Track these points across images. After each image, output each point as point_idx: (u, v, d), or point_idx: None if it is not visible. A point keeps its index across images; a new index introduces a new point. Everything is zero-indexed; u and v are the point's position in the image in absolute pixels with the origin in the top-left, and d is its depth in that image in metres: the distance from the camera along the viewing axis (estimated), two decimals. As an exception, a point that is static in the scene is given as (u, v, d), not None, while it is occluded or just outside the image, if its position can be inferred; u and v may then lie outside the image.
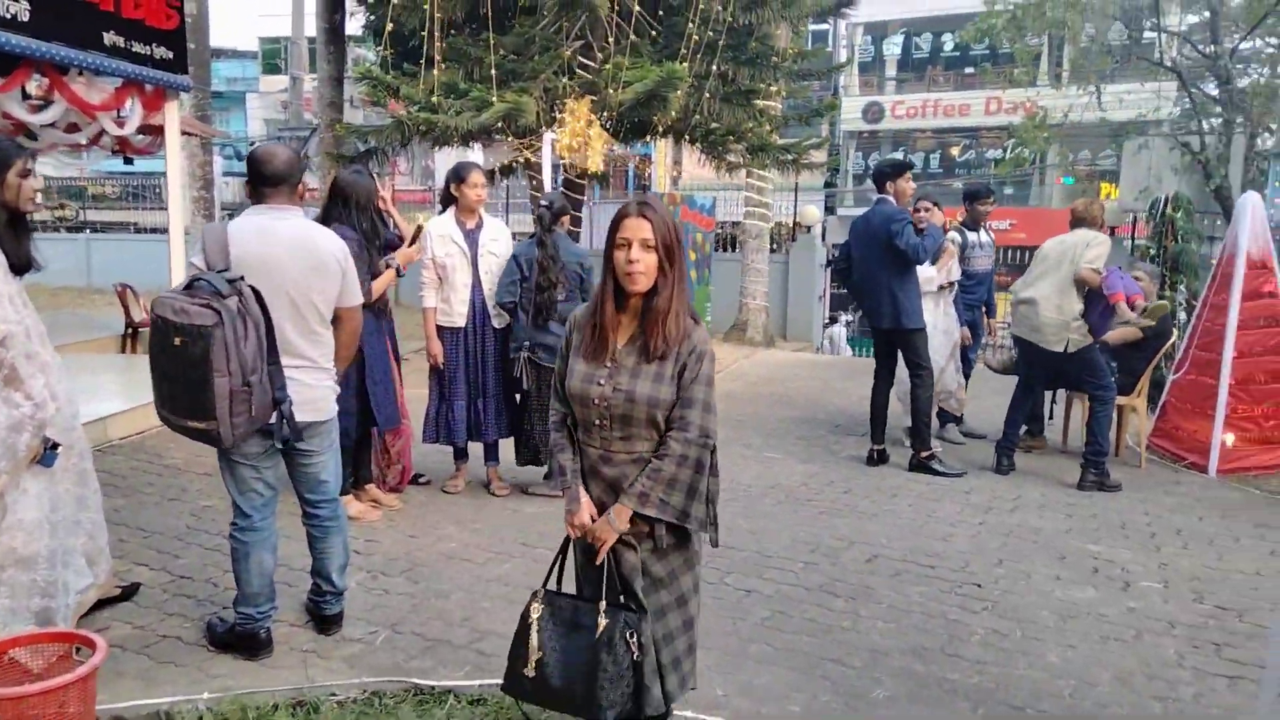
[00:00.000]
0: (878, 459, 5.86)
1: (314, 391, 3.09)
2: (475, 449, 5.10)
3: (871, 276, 5.62)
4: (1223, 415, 5.95)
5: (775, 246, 14.86)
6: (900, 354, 5.72)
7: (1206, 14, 10.79)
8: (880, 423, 5.90)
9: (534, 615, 2.24)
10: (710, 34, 7.90)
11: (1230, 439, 5.97)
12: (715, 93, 8.43)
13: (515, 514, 4.71)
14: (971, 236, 6.53)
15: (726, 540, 4.31)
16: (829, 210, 23.78)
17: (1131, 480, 5.60)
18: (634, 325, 2.21)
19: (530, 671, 2.22)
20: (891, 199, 5.58)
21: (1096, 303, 5.41)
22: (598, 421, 2.20)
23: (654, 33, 8.52)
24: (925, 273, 6.09)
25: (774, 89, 9.23)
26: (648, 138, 8.20)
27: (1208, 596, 3.74)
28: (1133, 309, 5.48)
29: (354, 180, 4.33)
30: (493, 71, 7.43)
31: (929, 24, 26.20)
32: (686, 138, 8.79)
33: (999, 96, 24.57)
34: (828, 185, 25.39)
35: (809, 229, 14.72)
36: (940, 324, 6.23)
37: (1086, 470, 5.45)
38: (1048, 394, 6.52)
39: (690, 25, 7.60)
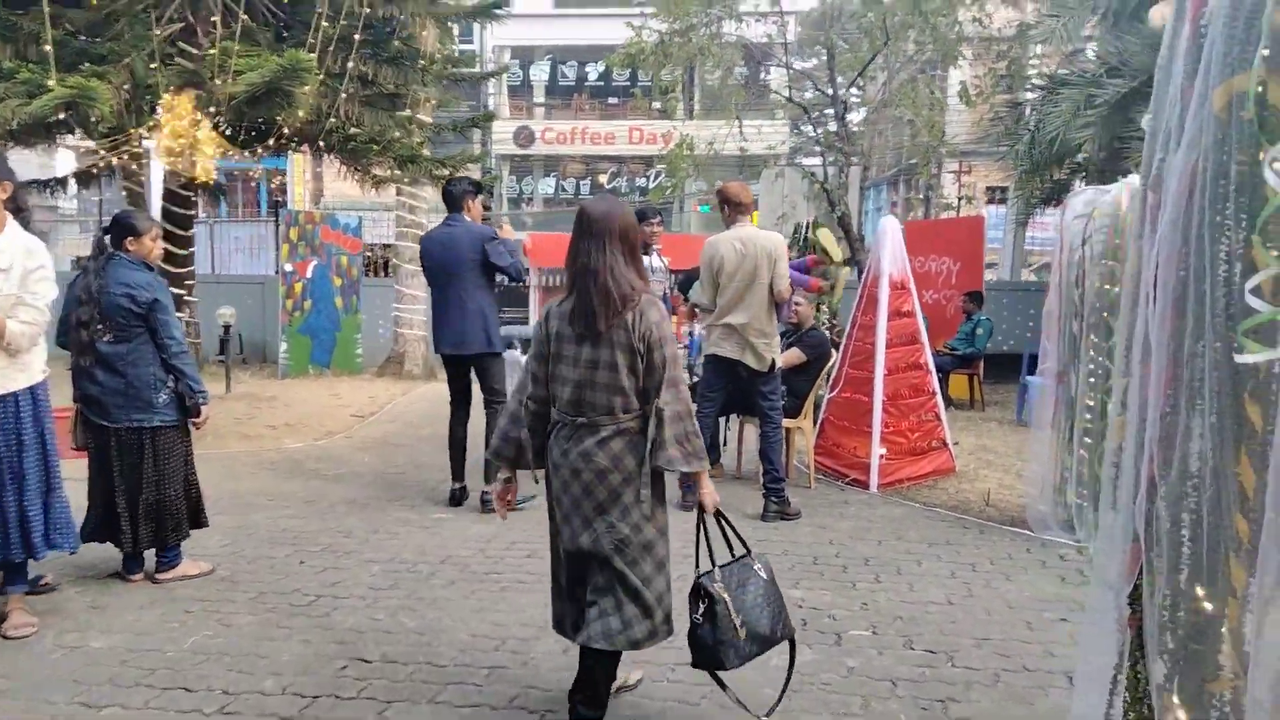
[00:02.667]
0: (459, 497, 5.45)
1: None
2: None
3: (462, 299, 5.20)
4: (879, 431, 6.13)
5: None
6: (480, 382, 5.42)
7: (825, 56, 11.80)
8: (462, 458, 5.49)
9: (723, 592, 2.60)
10: (344, 25, 6.82)
11: (883, 453, 6.18)
12: (354, 94, 7.34)
13: (73, 654, 3.34)
14: (644, 260, 6.17)
15: (389, 651, 3.37)
16: (485, 234, 23.25)
17: (806, 503, 5.51)
18: None
19: (742, 634, 2.59)
20: (466, 218, 5.30)
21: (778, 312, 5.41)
22: None
23: (274, 19, 7.24)
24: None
25: (423, 95, 8.32)
26: (271, 143, 6.93)
27: (915, 640, 3.51)
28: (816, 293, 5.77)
29: None
30: (48, 48, 5.71)
31: (574, 53, 26.82)
32: (322, 145, 7.58)
33: (641, 127, 25.83)
34: (485, 207, 24.89)
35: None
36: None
37: (769, 500, 5.25)
38: (720, 419, 6.33)
39: (319, 13, 6.48)
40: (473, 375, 5.48)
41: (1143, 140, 7.06)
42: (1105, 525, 1.82)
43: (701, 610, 2.59)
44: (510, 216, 25.94)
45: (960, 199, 15.51)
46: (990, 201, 20.64)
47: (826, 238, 6.43)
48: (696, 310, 5.74)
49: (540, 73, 27.64)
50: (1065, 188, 11.56)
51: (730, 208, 5.41)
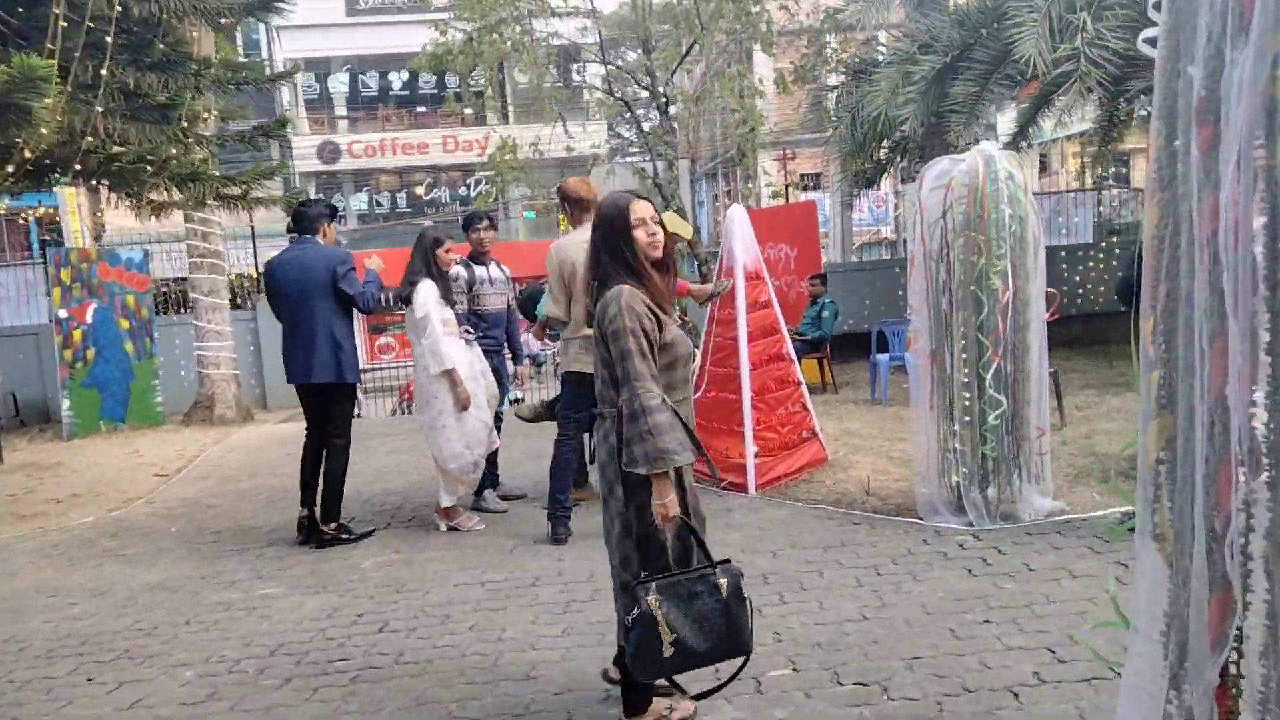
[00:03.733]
0: (307, 525, 5.11)
1: None
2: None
3: (312, 325, 4.92)
4: (751, 430, 5.80)
5: (239, 302, 12.62)
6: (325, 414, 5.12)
7: (640, 51, 11.51)
8: (314, 485, 5.13)
9: (655, 606, 2.45)
10: (92, 29, 5.77)
11: (756, 451, 5.85)
12: (115, 108, 6.26)
13: None
14: (479, 271, 5.54)
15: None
16: (297, 257, 21.54)
17: (687, 519, 5.07)
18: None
19: (669, 650, 2.46)
20: (320, 241, 5.08)
21: None
22: (686, 377, 2.68)
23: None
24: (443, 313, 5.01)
25: (201, 106, 7.28)
26: (12, 170, 5.70)
27: (841, 671, 3.12)
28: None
29: None
30: None
31: (374, 62, 25.49)
32: (79, 168, 6.44)
33: (455, 135, 24.86)
34: (291, 230, 23.12)
35: (276, 279, 12.75)
36: (474, 372, 5.14)
37: (650, 523, 4.78)
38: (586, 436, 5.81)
39: (55, 14, 5.42)
40: None
41: (960, 114, 6.98)
42: (1144, 561, 1.41)
43: (633, 615, 2.49)
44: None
45: (788, 185, 15.71)
46: (805, 188, 21.20)
47: (672, 219, 6.04)
48: (548, 326, 5.14)
49: (339, 84, 26.10)
50: (885, 167, 11.81)
51: (573, 206, 4.89)
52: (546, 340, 5.33)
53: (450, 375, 4.91)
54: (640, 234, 2.58)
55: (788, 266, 10.70)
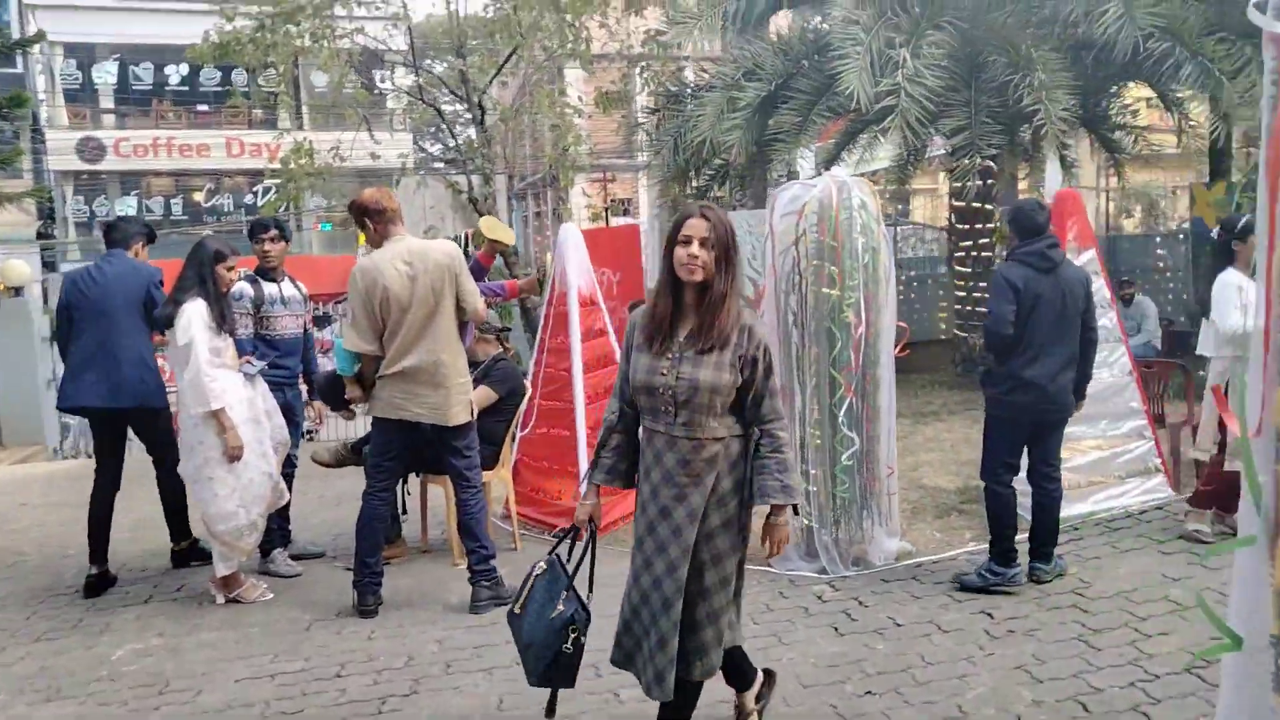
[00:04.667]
0: (98, 585, 4.50)
1: None
2: None
3: (115, 344, 4.50)
4: (586, 470, 5.30)
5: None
6: (147, 442, 4.76)
7: (455, 57, 10.82)
8: (104, 536, 4.59)
9: (536, 571, 2.67)
10: None
11: (589, 493, 5.37)
12: None
13: None
14: (269, 289, 4.69)
15: None
16: (49, 266, 18.78)
17: (519, 575, 4.47)
18: (693, 318, 2.48)
19: (517, 609, 2.66)
20: (131, 257, 4.72)
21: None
22: (663, 409, 2.47)
23: None
24: (212, 342, 4.12)
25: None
26: None
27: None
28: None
29: None
30: None
31: (149, 52, 22.96)
32: None
33: (241, 138, 22.81)
34: (43, 236, 20.13)
35: (18, 291, 10.96)
36: (256, 413, 4.28)
37: (478, 584, 4.13)
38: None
39: None
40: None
41: (784, 142, 6.80)
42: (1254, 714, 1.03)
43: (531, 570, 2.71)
44: (82, 245, 21.50)
45: (607, 209, 15.46)
46: (620, 213, 21.14)
47: (490, 224, 5.50)
48: (365, 379, 4.17)
49: (106, 74, 23.28)
50: (704, 194, 11.77)
51: (375, 219, 4.10)
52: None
53: (218, 417, 4.04)
54: (679, 251, 2.44)
55: (610, 291, 10.31)
